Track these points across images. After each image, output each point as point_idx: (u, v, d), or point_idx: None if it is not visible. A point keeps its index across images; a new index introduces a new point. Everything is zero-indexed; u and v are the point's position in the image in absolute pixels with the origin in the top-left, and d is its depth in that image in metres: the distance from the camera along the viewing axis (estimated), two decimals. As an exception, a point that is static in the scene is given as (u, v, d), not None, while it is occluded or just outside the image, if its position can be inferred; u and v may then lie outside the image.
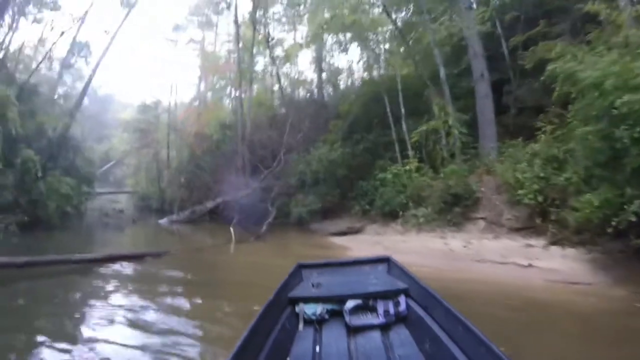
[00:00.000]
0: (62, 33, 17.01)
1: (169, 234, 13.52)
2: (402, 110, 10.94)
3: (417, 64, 11.70)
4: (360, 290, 2.78)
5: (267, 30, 19.64)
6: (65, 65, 20.03)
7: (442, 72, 10.36)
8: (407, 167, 10.24)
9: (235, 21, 19.07)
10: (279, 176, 14.25)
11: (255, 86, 21.00)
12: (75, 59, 23.21)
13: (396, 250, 7.04)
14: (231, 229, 10.98)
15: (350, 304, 2.64)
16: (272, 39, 20.12)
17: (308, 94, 20.27)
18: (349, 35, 14.16)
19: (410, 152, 10.58)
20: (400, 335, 2.44)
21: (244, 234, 11.02)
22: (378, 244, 8.37)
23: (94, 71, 18.52)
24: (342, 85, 20.83)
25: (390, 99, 11.47)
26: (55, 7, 17.11)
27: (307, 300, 2.75)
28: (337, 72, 20.96)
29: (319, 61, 20.43)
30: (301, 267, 3.45)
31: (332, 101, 18.17)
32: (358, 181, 11.60)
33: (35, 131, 13.55)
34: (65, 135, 15.29)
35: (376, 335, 2.45)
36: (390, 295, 2.70)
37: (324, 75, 20.66)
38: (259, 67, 21.97)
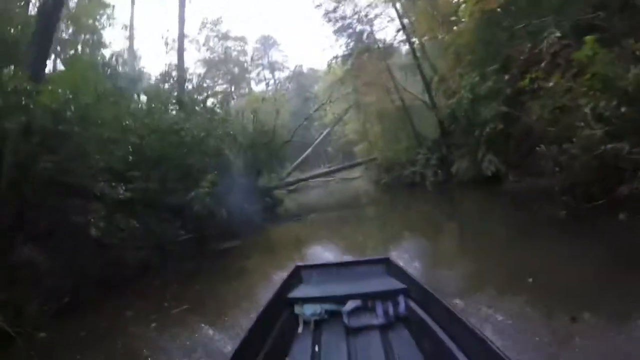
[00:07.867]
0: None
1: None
2: None
3: None
4: (359, 290, 2.77)
5: None
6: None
7: None
8: None
9: None
10: None
11: None
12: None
13: None
14: None
15: (349, 304, 2.63)
16: None
17: None
18: None
19: None
20: (400, 335, 2.43)
21: None
22: None
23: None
24: None
25: None
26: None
27: (306, 301, 2.74)
28: None
29: None
30: (300, 268, 3.42)
31: None
32: None
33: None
34: None
35: (376, 336, 2.44)
36: (389, 295, 2.69)
37: None
38: None
